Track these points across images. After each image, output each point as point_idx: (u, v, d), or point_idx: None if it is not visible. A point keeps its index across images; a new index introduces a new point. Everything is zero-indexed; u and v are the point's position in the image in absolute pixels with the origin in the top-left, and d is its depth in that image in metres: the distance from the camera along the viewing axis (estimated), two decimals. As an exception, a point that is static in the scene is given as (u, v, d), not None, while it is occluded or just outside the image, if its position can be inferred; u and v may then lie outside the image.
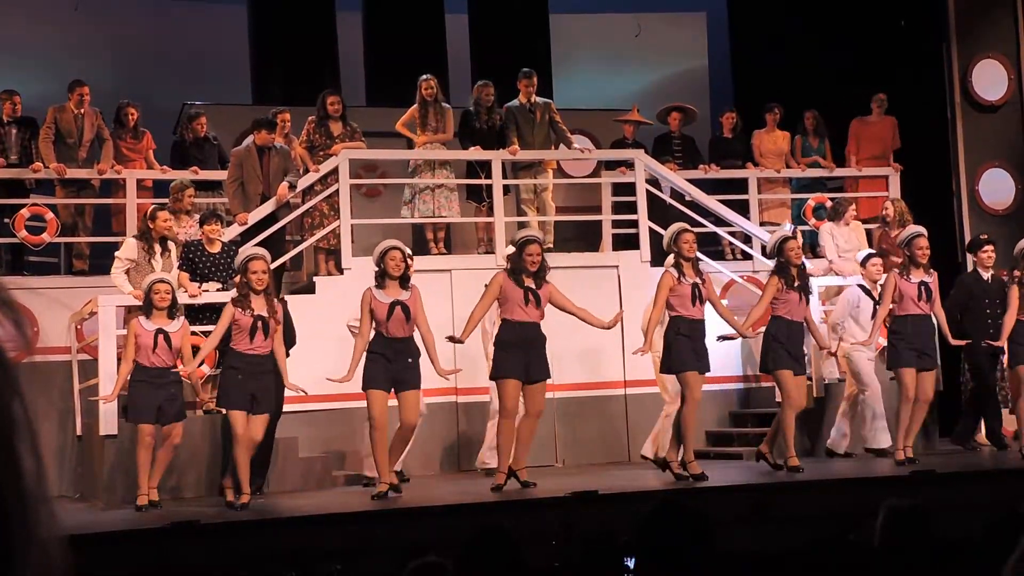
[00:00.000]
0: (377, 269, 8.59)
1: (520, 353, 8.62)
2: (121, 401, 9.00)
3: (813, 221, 12.45)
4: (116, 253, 9.73)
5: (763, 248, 11.94)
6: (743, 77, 16.10)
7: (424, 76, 11.62)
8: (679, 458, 8.97)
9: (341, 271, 10.87)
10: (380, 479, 8.39)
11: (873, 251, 10.40)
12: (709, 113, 15.15)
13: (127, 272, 9.62)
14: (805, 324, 9.49)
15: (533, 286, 8.66)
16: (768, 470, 9.32)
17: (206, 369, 9.53)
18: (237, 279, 8.69)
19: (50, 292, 10.82)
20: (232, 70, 15.05)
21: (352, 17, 15.37)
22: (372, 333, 8.51)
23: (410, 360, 8.47)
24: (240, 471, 8.35)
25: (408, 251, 8.81)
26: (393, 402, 8.58)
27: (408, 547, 5.97)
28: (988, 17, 13.76)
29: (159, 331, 8.56)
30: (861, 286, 10.45)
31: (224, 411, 9.64)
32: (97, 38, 15.23)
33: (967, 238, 13.14)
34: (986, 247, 10.60)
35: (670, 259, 9.36)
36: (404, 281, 8.53)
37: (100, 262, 10.79)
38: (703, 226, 11.79)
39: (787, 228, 11.30)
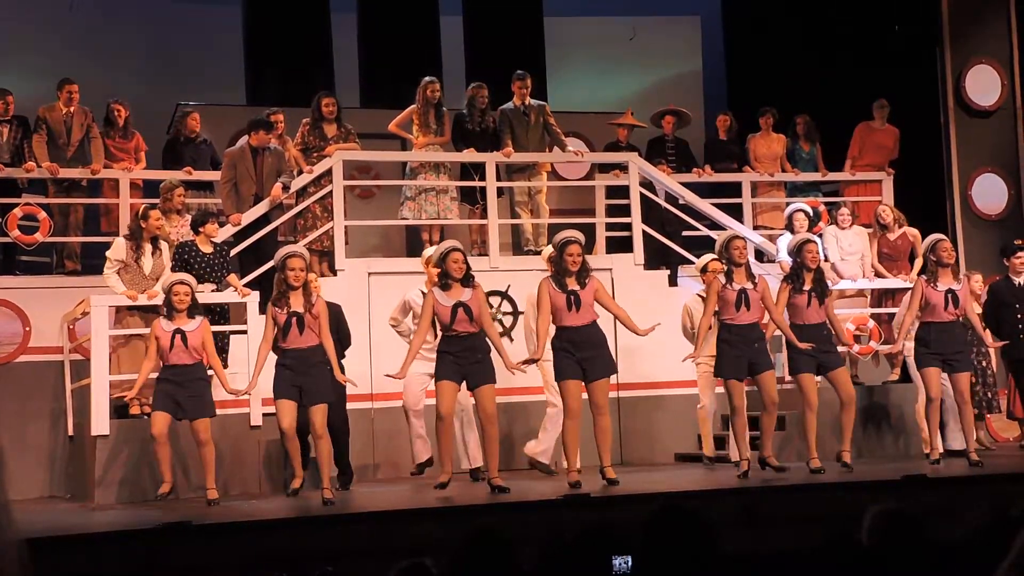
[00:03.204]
0: (439, 270, 8.59)
1: (576, 354, 8.62)
2: (113, 401, 8.99)
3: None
4: (107, 253, 9.72)
5: (757, 252, 11.99)
6: (737, 80, 16.12)
7: (429, 78, 11.62)
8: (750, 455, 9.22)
9: (335, 272, 10.87)
10: (443, 470, 8.49)
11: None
12: (703, 116, 15.17)
13: (118, 272, 9.60)
14: (829, 322, 9.50)
15: (577, 287, 8.66)
16: (766, 473, 9.33)
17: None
18: (277, 277, 8.66)
19: (43, 292, 10.81)
20: (226, 71, 15.04)
21: (347, 18, 15.37)
22: (438, 334, 8.58)
23: (479, 356, 8.49)
24: (293, 457, 8.53)
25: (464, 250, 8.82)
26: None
27: (399, 549, 5.96)
28: (981, 22, 13.78)
29: (177, 331, 8.62)
30: None
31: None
32: (91, 38, 15.21)
33: (960, 243, 13.17)
34: (1019, 252, 10.61)
35: (704, 259, 9.54)
36: (467, 280, 8.54)
37: (91, 262, 10.79)
38: (696, 230, 11.82)
39: (796, 208, 11.37)
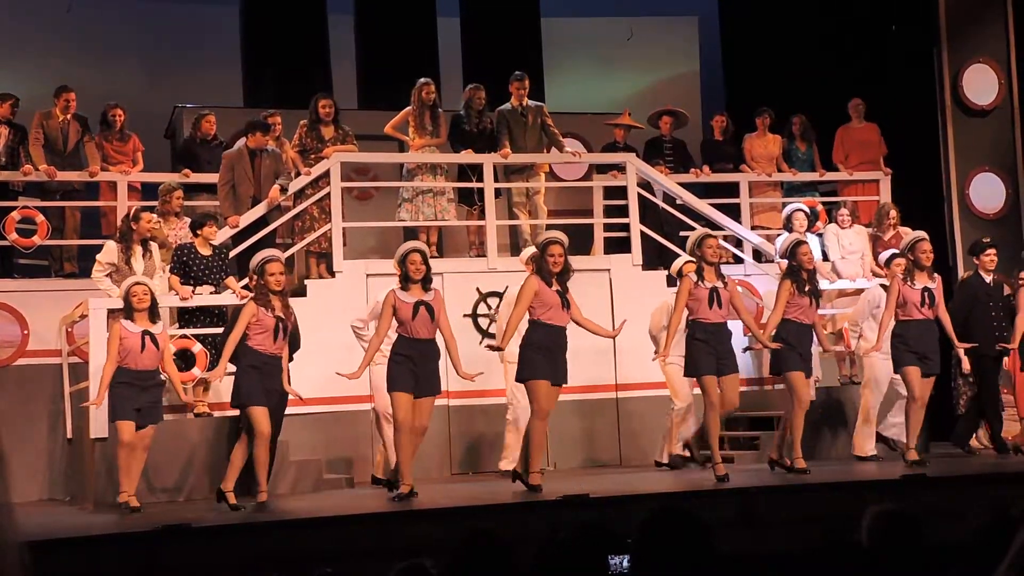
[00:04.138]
0: (400, 271, 8.59)
1: (550, 355, 8.63)
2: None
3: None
4: (97, 257, 9.72)
5: (755, 252, 12.01)
6: (735, 81, 16.12)
7: (424, 80, 11.62)
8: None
9: (332, 274, 10.87)
10: (403, 481, 8.43)
11: (897, 251, 10.38)
12: (701, 117, 15.17)
13: (109, 276, 9.60)
14: (813, 325, 9.55)
15: (560, 289, 8.67)
16: (774, 472, 9.35)
17: (197, 372, 9.52)
18: (253, 281, 8.65)
19: (41, 294, 10.79)
20: (224, 72, 15.03)
21: (344, 19, 15.35)
22: (395, 335, 8.51)
23: (433, 364, 8.50)
24: (260, 469, 8.42)
25: (427, 251, 8.77)
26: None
27: (398, 550, 5.96)
28: (979, 21, 13.79)
29: (146, 333, 8.57)
30: (884, 286, 10.44)
31: (211, 413, 9.68)
32: (89, 40, 15.20)
33: (958, 243, 13.20)
34: (988, 250, 10.67)
35: (679, 262, 9.61)
36: (426, 283, 8.53)
37: (89, 265, 10.78)
38: (694, 230, 11.81)
39: (795, 207, 11.40)
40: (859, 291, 11.56)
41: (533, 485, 8.53)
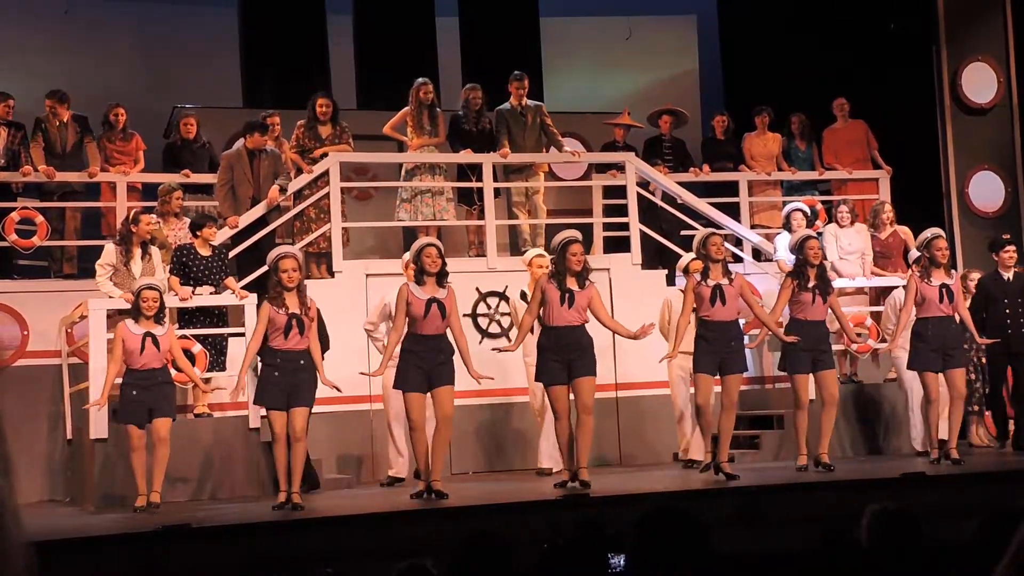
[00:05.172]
0: (415, 266, 8.59)
1: (560, 356, 8.61)
2: (111, 404, 8.99)
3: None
4: (97, 263, 9.72)
5: (755, 250, 12.01)
6: (734, 80, 16.13)
7: (422, 80, 11.62)
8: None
9: (332, 274, 10.87)
10: (432, 478, 8.41)
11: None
12: (700, 116, 15.18)
13: (110, 278, 9.61)
14: (834, 317, 9.58)
15: (575, 287, 8.65)
16: (763, 471, 9.37)
17: (197, 372, 9.51)
18: (271, 279, 8.66)
19: (41, 295, 10.80)
20: (223, 73, 15.02)
21: (343, 20, 15.35)
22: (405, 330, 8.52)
23: (442, 357, 8.48)
24: (279, 468, 8.42)
25: (441, 247, 8.76)
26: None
27: (398, 550, 5.96)
28: (978, 20, 13.79)
29: (147, 334, 8.59)
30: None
31: (211, 414, 9.69)
32: (88, 41, 15.20)
33: (957, 241, 13.19)
34: (1008, 247, 10.66)
35: (684, 260, 9.69)
36: (441, 278, 8.53)
37: (89, 266, 10.78)
38: (694, 229, 11.82)
39: (795, 206, 11.40)
40: (859, 290, 11.58)
41: (582, 480, 8.55)
